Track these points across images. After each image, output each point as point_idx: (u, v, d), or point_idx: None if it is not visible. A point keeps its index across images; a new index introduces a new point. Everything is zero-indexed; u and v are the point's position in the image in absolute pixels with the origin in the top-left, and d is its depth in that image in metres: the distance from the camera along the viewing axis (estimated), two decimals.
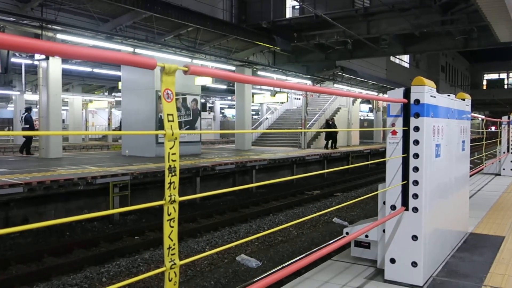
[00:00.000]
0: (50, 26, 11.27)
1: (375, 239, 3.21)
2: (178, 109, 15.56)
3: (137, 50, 12.87)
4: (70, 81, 25.34)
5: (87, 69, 20.52)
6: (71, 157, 14.76)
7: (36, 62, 13.72)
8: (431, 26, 16.03)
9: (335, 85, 23.23)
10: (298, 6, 19.32)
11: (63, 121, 31.54)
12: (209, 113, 39.16)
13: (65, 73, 18.07)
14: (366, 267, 3.26)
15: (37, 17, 11.53)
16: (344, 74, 22.46)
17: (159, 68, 1.26)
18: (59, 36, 11.66)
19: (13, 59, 18.32)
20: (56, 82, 13.18)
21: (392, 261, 2.95)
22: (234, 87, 22.42)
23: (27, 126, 15.31)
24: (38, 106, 14.02)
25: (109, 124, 30.96)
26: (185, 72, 1.30)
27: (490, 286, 2.88)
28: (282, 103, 26.65)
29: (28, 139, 15.56)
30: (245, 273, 6.79)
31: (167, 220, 1.27)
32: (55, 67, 12.99)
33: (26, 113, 15.63)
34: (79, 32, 11.65)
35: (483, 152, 9.37)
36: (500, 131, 9.89)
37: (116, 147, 24.04)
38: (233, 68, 17.88)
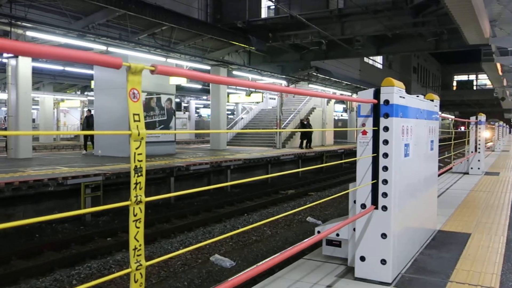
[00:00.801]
0: (19, 23, 10.97)
1: (346, 238, 3.25)
2: (152, 109, 15.40)
3: (110, 49, 12.67)
4: (40, 79, 24.72)
5: (59, 67, 20.05)
6: (41, 157, 14.42)
7: (4, 60, 13.35)
8: (403, 28, 16.37)
9: (310, 85, 23.43)
10: (273, 7, 19.39)
11: (34, 120, 30.74)
12: (184, 113, 38.87)
13: (36, 71, 17.60)
14: (337, 265, 3.30)
15: (6, 13, 11.20)
16: (318, 75, 22.68)
17: (125, 67, 1.25)
18: (29, 33, 11.37)
19: None
20: (26, 80, 12.85)
21: (362, 259, 3.00)
22: (209, 86, 22.34)
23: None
24: (6, 105, 13.64)
25: (81, 123, 30.33)
26: (152, 71, 1.29)
27: (456, 282, 2.96)
28: (257, 103, 26.72)
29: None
30: (219, 273, 6.78)
31: (133, 221, 1.26)
32: (24, 65, 12.66)
33: None
34: (50, 29, 11.38)
35: (451, 152, 9.61)
36: (469, 131, 10.17)
37: (88, 147, 23.59)
38: (208, 67, 17.82)
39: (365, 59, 32.40)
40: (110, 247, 7.78)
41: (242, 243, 8.43)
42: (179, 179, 12.38)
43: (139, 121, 1.26)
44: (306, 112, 25.27)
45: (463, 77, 62.40)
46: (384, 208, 2.94)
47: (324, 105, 26.46)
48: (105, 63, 1.20)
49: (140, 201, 1.28)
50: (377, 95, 2.98)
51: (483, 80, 55.21)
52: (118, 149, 14.44)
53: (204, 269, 6.90)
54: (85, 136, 17.26)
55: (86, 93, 29.31)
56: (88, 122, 16.05)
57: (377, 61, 36.36)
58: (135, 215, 1.27)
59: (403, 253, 3.26)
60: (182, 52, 15.71)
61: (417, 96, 3.67)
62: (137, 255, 1.29)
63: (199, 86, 28.58)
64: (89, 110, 16.84)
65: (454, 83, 63.50)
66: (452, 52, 35.19)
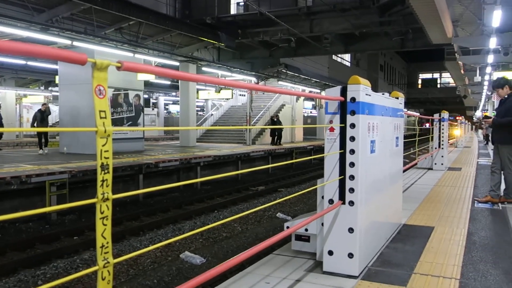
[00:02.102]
0: None
1: (314, 233, 3.31)
2: (120, 105, 15.13)
3: (76, 43, 12.34)
4: (1, 74, 23.83)
5: (21, 61, 19.38)
6: (3, 154, 13.95)
7: None
8: (370, 26, 16.66)
9: (279, 82, 23.56)
10: (243, 3, 19.36)
11: None
12: (153, 109, 38.34)
13: None
14: (306, 260, 3.35)
15: None
16: (288, 72, 22.83)
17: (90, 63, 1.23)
18: None
19: None
20: None
21: (330, 253, 3.06)
22: (178, 83, 22.11)
23: None
24: None
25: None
26: (118, 68, 1.28)
27: (420, 274, 3.06)
28: (227, 99, 26.65)
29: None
30: (189, 270, 6.76)
31: (100, 219, 1.25)
32: None
33: None
34: (11, 22, 10.96)
35: (416, 148, 9.88)
36: (433, 128, 10.47)
37: (53, 144, 22.97)
38: (177, 63, 17.63)
39: (334, 57, 32.83)
40: (77, 246, 7.62)
41: (213, 239, 8.43)
42: (148, 176, 12.23)
43: (105, 118, 1.25)
44: (276, 108, 25.41)
45: (428, 75, 64.17)
46: (351, 203, 3.01)
47: (294, 102, 26.67)
48: (69, 59, 1.18)
49: (107, 199, 1.27)
50: (344, 92, 3.03)
51: (447, 78, 56.94)
52: (84, 146, 14.12)
53: (174, 266, 6.86)
54: (40, 133, 14.70)
55: (50, 88, 28.45)
56: (42, 116, 14.05)
57: (345, 59, 36.91)
58: (102, 213, 1.26)
59: (370, 246, 3.34)
60: (150, 47, 15.49)
61: (383, 94, 3.75)
62: (105, 253, 1.28)
63: (168, 82, 28.28)
64: (44, 104, 14.86)
65: (419, 81, 65.20)
66: (417, 51, 36.16)
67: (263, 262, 3.33)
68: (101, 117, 1.24)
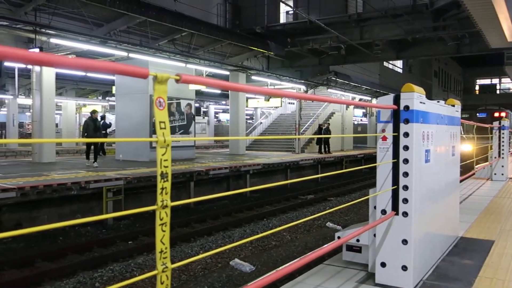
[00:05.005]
0: (43, 30, 11.26)
1: (366, 243, 3.25)
2: (172, 114, 15.58)
3: (131, 55, 12.89)
4: (63, 85, 25.30)
5: (81, 73, 20.48)
6: (64, 161, 14.72)
7: (29, 66, 13.70)
8: (423, 32, 16.19)
9: (329, 90, 23.35)
10: (292, 12, 19.42)
11: (57, 125, 31.41)
12: (204, 118, 39.16)
13: (59, 77, 18.00)
14: (357, 271, 3.29)
15: (31, 21, 11.52)
16: (337, 79, 22.59)
17: (151, 76, 1.30)
18: (53, 40, 11.66)
19: (6, 63, 18.31)
20: (50, 86, 13.16)
21: (383, 265, 2.99)
22: (228, 91, 22.46)
23: (104, 132, 15.97)
24: (31, 111, 13.97)
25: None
26: (177, 80, 1.34)
27: None
28: (276, 107, 26.75)
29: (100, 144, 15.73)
30: (238, 278, 6.80)
31: (159, 225, 1.31)
32: (48, 71, 12.97)
33: (101, 121, 16.20)
34: (73, 36, 11.64)
35: (474, 157, 9.46)
36: (492, 136, 9.98)
37: (110, 151, 23.96)
38: (227, 73, 17.94)
39: (385, 64, 32.13)
40: (131, 250, 7.89)
41: (262, 247, 8.45)
42: (199, 183, 12.47)
43: (165, 128, 1.31)
44: (325, 117, 25.18)
45: (486, 81, 61.19)
46: (405, 214, 2.93)
47: (343, 110, 26.33)
48: (133, 73, 1.25)
49: (166, 206, 1.32)
50: (397, 100, 2.98)
51: (507, 84, 54.13)
52: (138, 154, 14.66)
53: (224, 273, 6.93)
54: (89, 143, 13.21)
55: (107, 98, 29.84)
56: (95, 125, 12.59)
57: (397, 65, 36.01)
58: (161, 219, 1.31)
59: (424, 259, 3.23)
60: (202, 57, 15.87)
61: (438, 102, 3.64)
62: (163, 258, 1.33)
63: (218, 91, 28.82)
64: (96, 111, 12.96)
65: (477, 87, 62.32)
66: (474, 56, 34.68)
67: (314, 272, 3.31)
68: (161, 128, 1.30)
